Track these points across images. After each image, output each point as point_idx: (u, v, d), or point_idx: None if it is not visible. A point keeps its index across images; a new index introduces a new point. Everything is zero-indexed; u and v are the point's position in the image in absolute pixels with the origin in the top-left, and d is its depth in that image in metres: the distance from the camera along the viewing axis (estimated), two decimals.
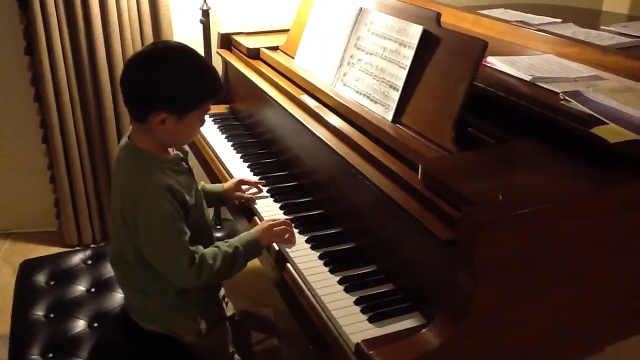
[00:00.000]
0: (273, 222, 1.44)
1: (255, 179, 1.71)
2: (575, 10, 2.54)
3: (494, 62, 1.57)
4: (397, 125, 1.41)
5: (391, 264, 1.30)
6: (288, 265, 1.37)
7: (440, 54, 1.37)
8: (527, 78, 1.45)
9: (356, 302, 1.21)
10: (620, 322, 1.31)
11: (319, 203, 1.59)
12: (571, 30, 1.95)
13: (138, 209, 1.30)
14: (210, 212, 1.59)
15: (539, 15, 2.14)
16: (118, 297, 1.60)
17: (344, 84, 1.62)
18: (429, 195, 1.14)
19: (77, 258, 1.77)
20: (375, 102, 1.49)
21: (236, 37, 2.20)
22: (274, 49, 2.04)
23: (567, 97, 1.33)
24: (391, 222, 1.27)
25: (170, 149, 1.40)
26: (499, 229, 1.00)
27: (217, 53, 2.26)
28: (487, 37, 1.65)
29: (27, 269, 1.72)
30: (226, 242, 1.40)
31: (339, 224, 1.49)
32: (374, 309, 1.18)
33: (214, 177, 1.86)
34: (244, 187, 1.66)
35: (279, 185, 1.70)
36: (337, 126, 1.50)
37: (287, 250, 1.39)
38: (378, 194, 1.27)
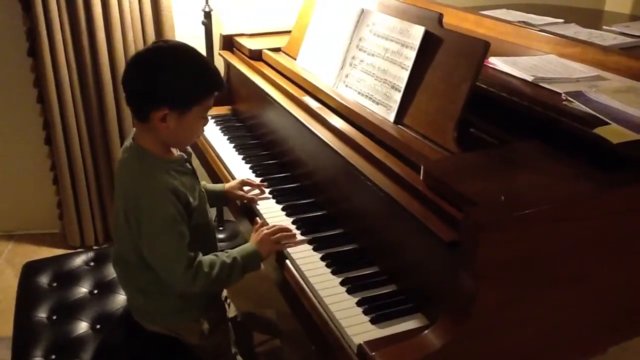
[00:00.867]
0: (268, 231, 1.43)
1: (258, 180, 1.71)
2: (577, 11, 2.53)
3: (496, 62, 1.57)
4: (399, 126, 1.41)
5: (393, 265, 1.30)
6: (290, 266, 1.37)
7: (442, 55, 1.36)
8: (529, 78, 1.45)
9: (358, 304, 1.21)
10: (622, 323, 1.30)
11: (321, 204, 1.59)
12: (573, 30, 1.94)
13: (141, 210, 1.30)
14: (212, 214, 1.59)
15: (541, 16, 2.13)
16: (121, 298, 1.60)
17: (346, 85, 1.62)
18: (431, 196, 1.14)
19: (79, 260, 1.77)
20: (377, 103, 1.49)
21: (238, 39, 2.20)
22: (276, 50, 2.04)
23: (569, 98, 1.33)
24: (393, 224, 1.27)
25: (173, 150, 1.40)
26: (500, 229, 1.00)
27: (219, 54, 2.26)
28: (489, 37, 1.65)
29: (30, 270, 1.72)
30: (226, 252, 1.40)
31: (341, 225, 1.49)
32: (377, 310, 1.18)
33: (216, 179, 1.86)
34: (246, 188, 1.66)
35: (281, 187, 1.69)
36: (339, 127, 1.50)
37: (289, 251, 1.39)
38: (380, 195, 1.27)
